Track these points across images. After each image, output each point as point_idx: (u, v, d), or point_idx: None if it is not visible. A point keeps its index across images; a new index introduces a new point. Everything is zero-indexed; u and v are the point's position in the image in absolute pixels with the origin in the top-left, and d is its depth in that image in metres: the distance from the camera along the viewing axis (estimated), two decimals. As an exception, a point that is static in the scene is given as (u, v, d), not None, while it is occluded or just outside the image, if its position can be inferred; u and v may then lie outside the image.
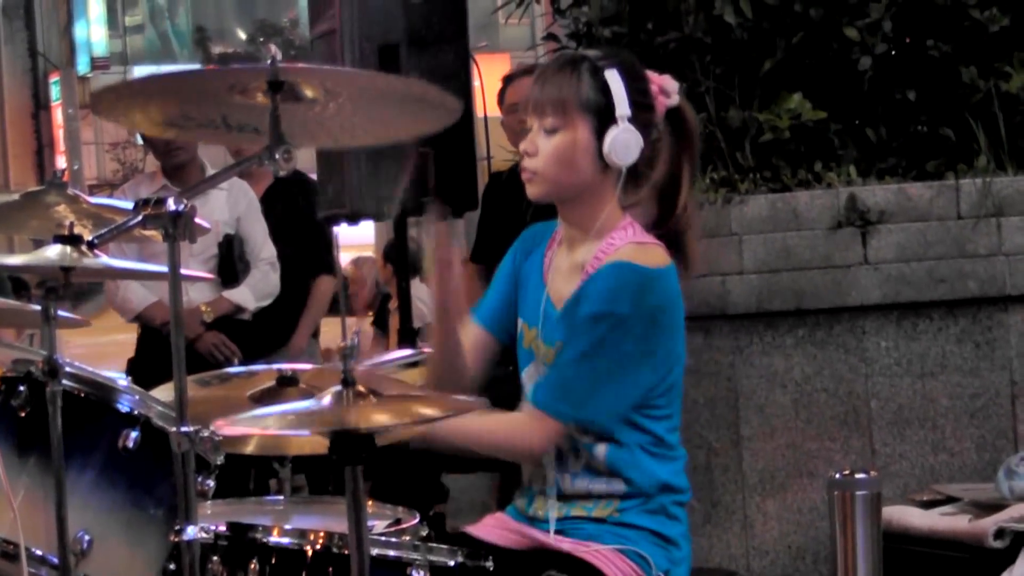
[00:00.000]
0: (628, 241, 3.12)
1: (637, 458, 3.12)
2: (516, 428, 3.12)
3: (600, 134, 3.09)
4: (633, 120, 3.10)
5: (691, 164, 3.20)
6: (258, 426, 2.72)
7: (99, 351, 9.28)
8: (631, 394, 3.08)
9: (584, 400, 3.06)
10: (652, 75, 3.19)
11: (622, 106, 3.09)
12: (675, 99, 3.18)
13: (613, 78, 3.11)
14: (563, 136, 3.10)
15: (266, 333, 6.02)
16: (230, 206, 5.94)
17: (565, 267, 3.21)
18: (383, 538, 2.89)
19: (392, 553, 2.81)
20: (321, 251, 6.40)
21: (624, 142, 3.09)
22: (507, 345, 3.33)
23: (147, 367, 5.62)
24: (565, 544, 3.10)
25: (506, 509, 3.30)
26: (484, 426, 3.09)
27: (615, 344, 3.05)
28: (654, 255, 3.11)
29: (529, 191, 3.17)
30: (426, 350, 3.55)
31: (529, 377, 3.23)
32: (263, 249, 6.03)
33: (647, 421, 3.12)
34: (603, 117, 3.10)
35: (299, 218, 6.19)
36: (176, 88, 2.81)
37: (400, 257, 5.98)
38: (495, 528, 3.24)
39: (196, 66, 29.57)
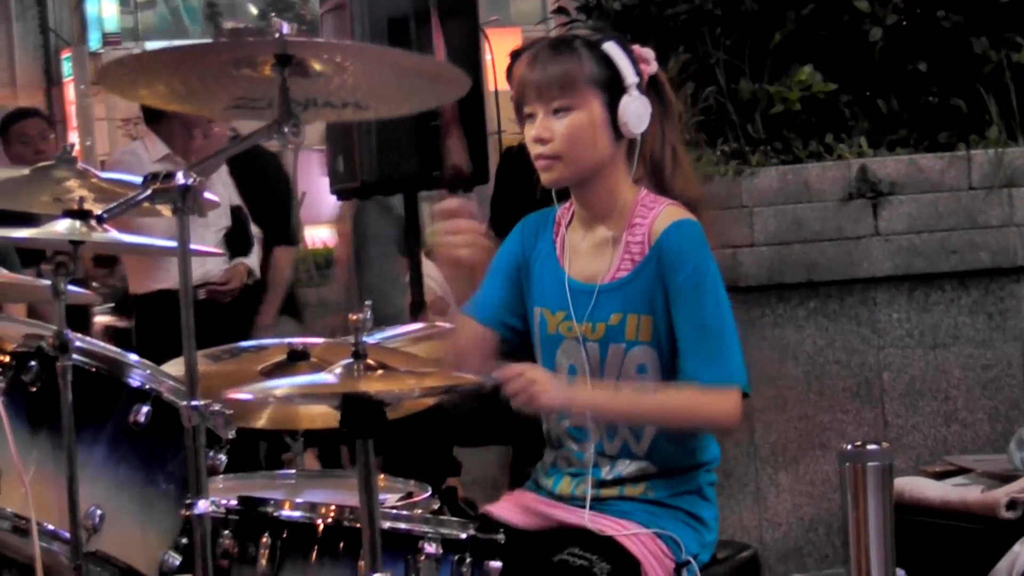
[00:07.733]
0: (665, 204, 3.10)
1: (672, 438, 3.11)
2: (713, 406, 3.04)
3: (611, 106, 3.07)
4: (638, 88, 3.09)
5: (676, 129, 3.18)
6: (269, 395, 2.72)
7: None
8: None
9: (736, 356, 3.05)
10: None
11: (630, 75, 3.07)
12: (654, 66, 3.16)
13: (613, 50, 3.08)
14: (577, 114, 3.05)
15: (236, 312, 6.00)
16: (230, 180, 5.96)
17: (585, 246, 3.17)
18: (394, 511, 2.90)
19: (403, 526, 2.81)
20: (278, 222, 6.34)
21: (637, 110, 3.07)
22: (508, 341, 3.24)
23: (146, 345, 5.60)
24: (601, 524, 3.03)
25: (525, 485, 3.25)
26: (683, 406, 3.04)
27: (719, 295, 3.04)
28: (688, 212, 3.10)
29: (547, 178, 3.10)
30: (438, 324, 3.54)
31: (566, 357, 3.14)
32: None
33: None
34: (612, 89, 3.07)
35: (257, 189, 6.12)
36: (184, 61, 2.80)
37: (411, 233, 5.95)
38: (515, 509, 3.17)
39: (206, 40, 29.55)
